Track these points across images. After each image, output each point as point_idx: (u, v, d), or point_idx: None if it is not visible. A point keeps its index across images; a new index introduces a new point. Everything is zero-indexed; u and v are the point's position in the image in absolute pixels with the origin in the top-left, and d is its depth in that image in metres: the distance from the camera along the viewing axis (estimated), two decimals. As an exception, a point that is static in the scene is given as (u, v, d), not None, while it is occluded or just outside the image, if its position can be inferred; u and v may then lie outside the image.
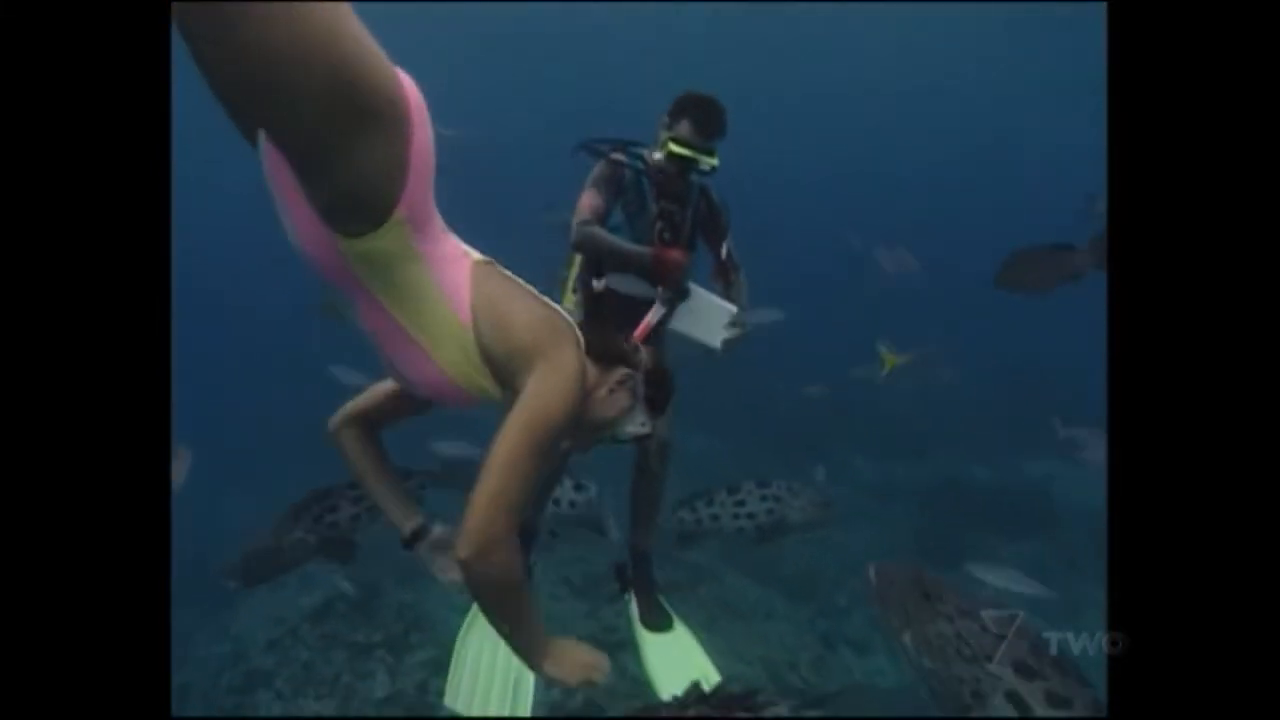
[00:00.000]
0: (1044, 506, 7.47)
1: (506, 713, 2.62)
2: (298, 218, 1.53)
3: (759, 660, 4.59)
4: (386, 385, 2.05)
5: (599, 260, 2.77)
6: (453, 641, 4.67)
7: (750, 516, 3.97)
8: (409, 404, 2.06)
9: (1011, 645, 2.22)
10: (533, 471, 1.60)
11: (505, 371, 1.71)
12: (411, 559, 2.08)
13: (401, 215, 1.51)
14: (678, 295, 2.73)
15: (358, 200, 1.47)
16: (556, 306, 1.80)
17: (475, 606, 2.79)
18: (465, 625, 2.94)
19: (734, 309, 2.79)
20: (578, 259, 2.96)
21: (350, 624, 5.07)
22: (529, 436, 1.59)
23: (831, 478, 7.07)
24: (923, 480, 8.21)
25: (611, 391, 1.87)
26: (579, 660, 1.79)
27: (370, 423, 2.09)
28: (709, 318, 2.77)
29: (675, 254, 2.67)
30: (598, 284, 2.77)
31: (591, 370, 1.83)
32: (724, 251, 3.01)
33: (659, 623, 2.97)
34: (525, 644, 1.75)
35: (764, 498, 3.99)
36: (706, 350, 2.79)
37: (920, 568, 2.48)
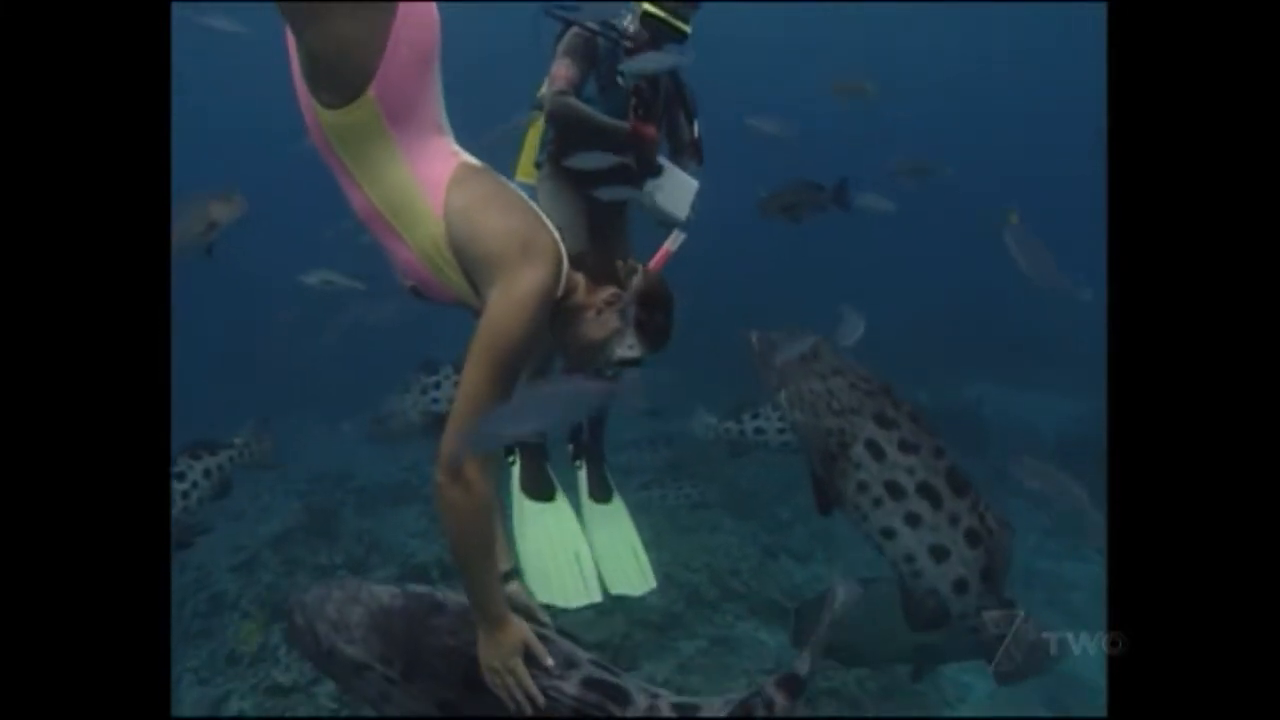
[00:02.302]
0: (975, 425, 7.88)
1: (582, 595, 2.70)
2: (295, 78, 1.65)
3: (704, 568, 4.86)
4: None
5: (571, 132, 2.76)
6: (412, 562, 4.88)
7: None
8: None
9: (876, 400, 2.46)
10: (497, 391, 1.59)
11: (474, 278, 1.71)
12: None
13: (373, 95, 1.59)
14: (651, 170, 2.80)
15: (330, 68, 1.58)
16: (543, 221, 1.75)
17: (517, 501, 2.86)
18: (516, 523, 2.87)
19: (697, 185, 2.87)
20: (532, 137, 2.96)
21: (311, 549, 5.22)
22: (485, 361, 1.60)
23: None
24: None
25: (599, 312, 1.80)
26: (511, 642, 1.71)
27: None
28: (678, 193, 2.85)
29: (651, 129, 2.74)
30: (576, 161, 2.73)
31: (582, 287, 1.80)
32: (695, 130, 3.05)
33: (602, 494, 3.07)
34: (478, 597, 1.68)
35: None
36: (673, 222, 2.85)
37: (798, 330, 2.63)
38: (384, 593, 1.85)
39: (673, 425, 7.12)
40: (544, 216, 1.76)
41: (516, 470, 2.93)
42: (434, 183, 1.69)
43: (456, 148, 1.78)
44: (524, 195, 1.80)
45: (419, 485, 6.24)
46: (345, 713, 3.38)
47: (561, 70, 2.76)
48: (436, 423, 3.79)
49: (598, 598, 2.73)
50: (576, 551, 2.79)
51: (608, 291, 1.81)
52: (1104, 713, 1.27)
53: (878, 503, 2.42)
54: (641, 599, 4.43)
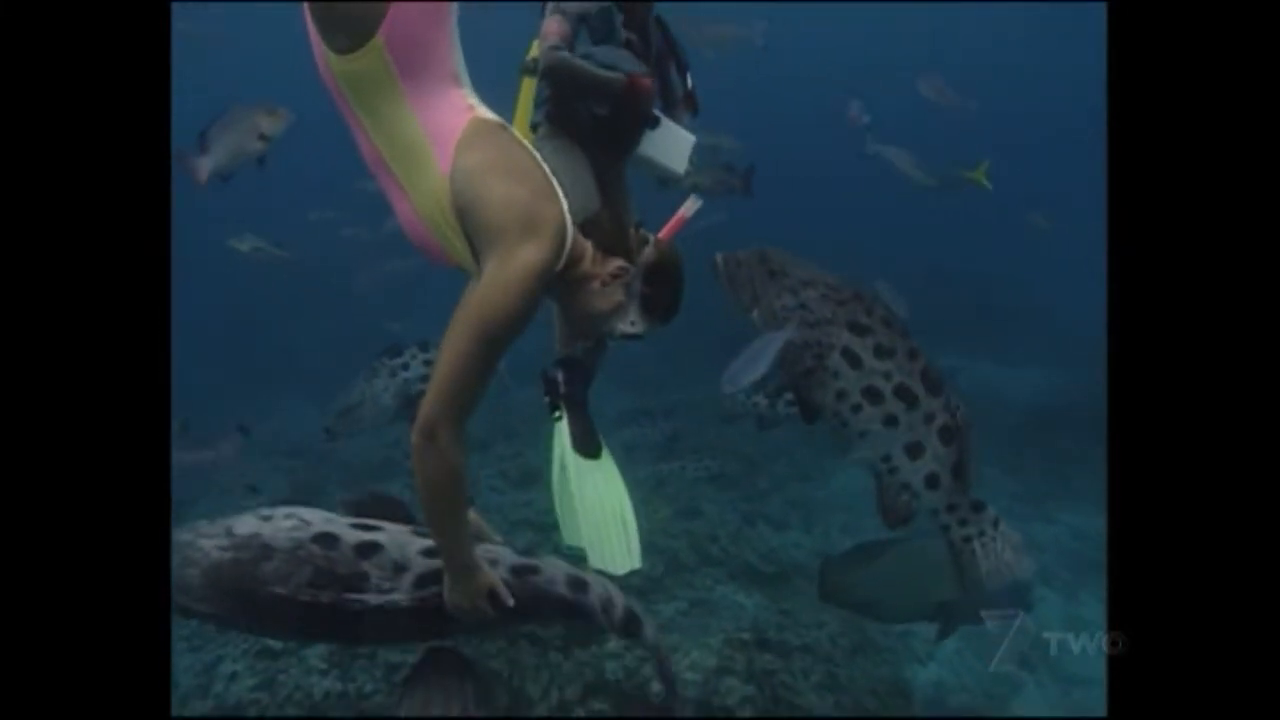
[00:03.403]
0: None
1: (626, 551, 2.62)
2: (309, 22, 1.63)
3: (684, 534, 5.00)
4: None
5: (566, 87, 2.74)
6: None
7: None
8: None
9: (849, 308, 2.50)
10: (480, 365, 1.59)
11: (474, 243, 1.67)
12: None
13: (382, 42, 1.55)
14: (648, 122, 2.79)
15: (337, 9, 1.56)
16: (552, 191, 1.68)
17: (570, 460, 2.75)
18: (569, 481, 2.77)
19: (693, 139, 2.86)
20: (524, 99, 2.92)
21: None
22: (471, 332, 1.58)
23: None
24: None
25: (604, 284, 1.77)
26: (477, 588, 1.77)
27: None
28: (675, 146, 2.84)
29: (647, 81, 2.73)
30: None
31: (589, 256, 1.76)
32: (689, 82, 3.04)
33: (589, 447, 2.82)
34: (447, 551, 1.74)
35: None
36: (670, 176, 2.85)
37: (765, 248, 2.63)
38: (212, 547, 1.81)
39: (668, 397, 7.27)
40: (555, 184, 1.70)
41: (563, 426, 2.78)
42: (443, 137, 1.64)
43: (473, 100, 1.72)
44: (537, 159, 1.73)
45: (402, 460, 6.32)
46: (335, 673, 3.48)
47: (553, 26, 2.73)
48: (410, 403, 3.87)
49: (639, 564, 2.65)
50: (623, 515, 2.71)
51: (615, 264, 1.77)
52: (1102, 711, 1.28)
53: (857, 409, 2.48)
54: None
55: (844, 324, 2.48)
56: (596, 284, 1.77)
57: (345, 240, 8.36)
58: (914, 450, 2.48)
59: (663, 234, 1.91)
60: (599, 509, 2.70)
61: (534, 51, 2.82)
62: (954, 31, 19.80)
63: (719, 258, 2.67)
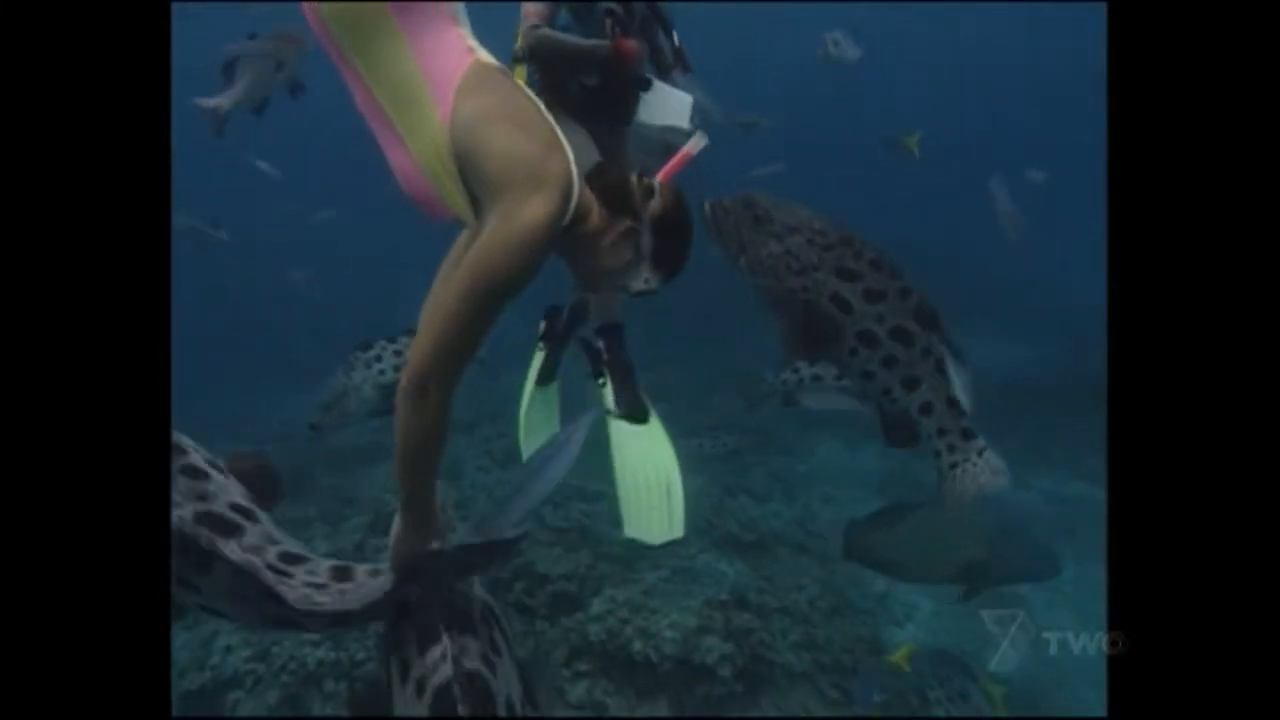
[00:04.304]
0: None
1: (668, 521, 2.59)
2: None
3: (666, 507, 5.12)
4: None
5: (553, 63, 2.73)
6: (385, 510, 5.07)
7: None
8: None
9: (836, 253, 2.46)
10: (477, 321, 1.54)
11: (474, 194, 1.62)
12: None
13: None
14: (640, 85, 2.78)
15: None
16: (558, 141, 1.61)
17: (612, 426, 2.72)
18: (614, 443, 2.76)
19: (690, 97, 2.83)
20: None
21: (285, 505, 5.36)
22: (471, 287, 1.52)
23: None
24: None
25: (613, 244, 1.70)
26: (425, 544, 1.69)
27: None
28: (673, 106, 2.81)
29: (631, 44, 2.72)
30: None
31: (595, 214, 1.69)
32: (675, 40, 3.02)
33: (636, 412, 2.76)
34: (410, 500, 1.66)
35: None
36: (676, 133, 2.80)
37: (751, 194, 2.59)
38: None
39: (660, 375, 7.35)
40: (559, 133, 1.63)
41: (607, 392, 2.76)
42: (442, 81, 1.59)
43: (472, 42, 1.66)
44: (541, 108, 1.65)
45: (389, 444, 6.41)
46: (328, 644, 3.59)
47: (531, 8, 2.76)
48: (388, 395, 3.96)
49: (680, 534, 2.60)
50: (669, 483, 2.65)
51: (624, 224, 1.69)
52: (1102, 710, 1.26)
53: (853, 353, 2.49)
54: (607, 531, 4.71)
55: (832, 269, 2.46)
56: (605, 241, 1.69)
57: (316, 225, 8.47)
58: (911, 383, 2.52)
59: (664, 173, 1.82)
60: (641, 476, 2.65)
61: (519, 42, 2.84)
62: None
63: (707, 205, 2.62)
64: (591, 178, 1.71)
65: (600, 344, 2.88)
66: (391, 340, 4.25)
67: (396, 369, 4.09)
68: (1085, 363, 7.29)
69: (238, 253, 6.05)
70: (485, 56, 1.65)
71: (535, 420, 3.08)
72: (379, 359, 4.27)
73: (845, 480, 6.69)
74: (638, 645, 3.47)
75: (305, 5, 1.61)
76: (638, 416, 2.76)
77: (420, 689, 1.59)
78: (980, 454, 2.62)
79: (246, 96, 3.46)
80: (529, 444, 2.97)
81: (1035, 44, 19.19)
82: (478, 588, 1.83)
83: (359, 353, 4.32)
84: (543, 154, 1.56)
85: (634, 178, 1.73)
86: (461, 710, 1.52)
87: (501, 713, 1.60)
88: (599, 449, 6.25)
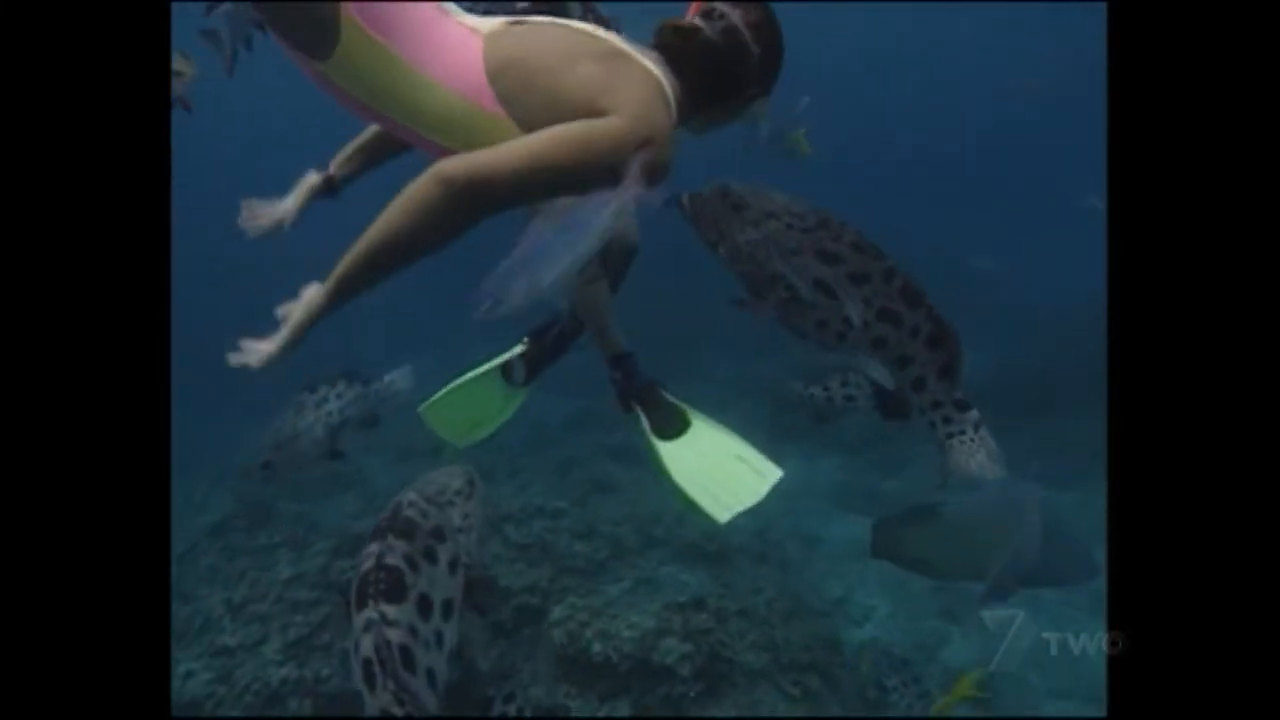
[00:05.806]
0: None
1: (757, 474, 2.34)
2: (288, 52, 1.52)
3: (627, 520, 5.21)
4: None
5: None
6: (350, 533, 5.09)
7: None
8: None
9: (815, 237, 2.42)
10: (554, 179, 1.42)
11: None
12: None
13: (353, 18, 1.44)
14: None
15: (294, 14, 1.45)
16: (630, 53, 1.54)
17: (657, 448, 2.48)
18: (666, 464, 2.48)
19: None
20: None
21: (249, 535, 5.39)
22: (576, 146, 1.42)
23: (691, 374, 7.77)
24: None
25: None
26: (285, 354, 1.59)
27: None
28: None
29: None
30: None
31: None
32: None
33: (675, 426, 2.55)
34: (341, 292, 1.46)
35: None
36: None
37: (728, 183, 2.55)
38: None
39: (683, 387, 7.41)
40: (621, 43, 1.56)
41: (643, 420, 2.52)
42: (464, 75, 1.51)
43: (466, 18, 1.58)
44: (590, 31, 1.57)
45: (352, 474, 6.43)
46: (291, 663, 3.63)
47: None
48: (334, 434, 4.02)
49: (779, 473, 2.38)
50: (737, 451, 2.43)
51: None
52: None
53: (841, 337, 2.46)
54: (569, 545, 4.77)
55: (813, 253, 2.42)
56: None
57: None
58: (902, 362, 2.50)
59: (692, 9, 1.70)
60: (707, 468, 2.44)
61: None
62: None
63: (684, 197, 2.56)
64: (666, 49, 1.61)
65: (617, 375, 2.65)
66: (331, 384, 4.27)
67: (342, 411, 4.15)
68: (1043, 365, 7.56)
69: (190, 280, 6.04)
70: (488, 23, 1.58)
71: (470, 401, 2.63)
72: (326, 400, 4.27)
73: (803, 491, 6.83)
74: (597, 647, 3.55)
75: (315, 81, 1.56)
76: (678, 429, 2.53)
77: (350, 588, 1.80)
78: (976, 427, 2.63)
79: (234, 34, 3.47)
80: (443, 423, 2.56)
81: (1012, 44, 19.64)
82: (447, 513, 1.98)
83: (306, 394, 4.31)
84: (624, 65, 1.52)
85: (681, 22, 1.63)
86: (370, 602, 1.72)
87: (411, 606, 1.78)
88: (560, 469, 6.33)
